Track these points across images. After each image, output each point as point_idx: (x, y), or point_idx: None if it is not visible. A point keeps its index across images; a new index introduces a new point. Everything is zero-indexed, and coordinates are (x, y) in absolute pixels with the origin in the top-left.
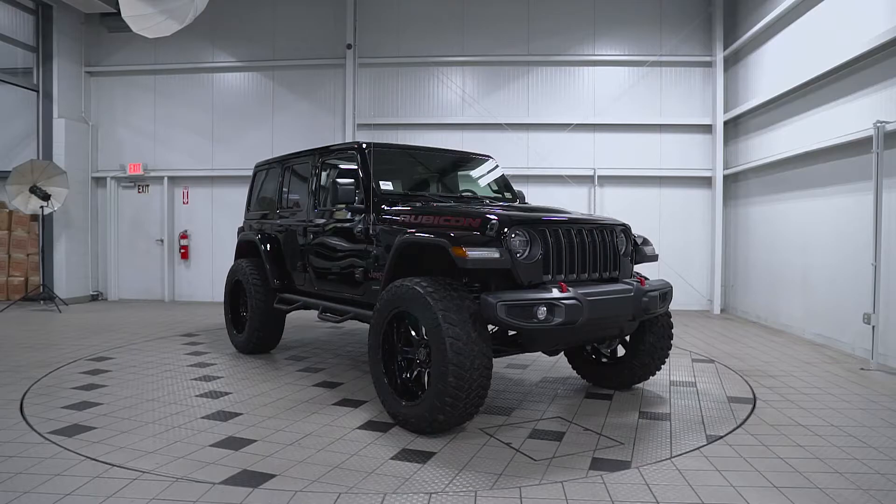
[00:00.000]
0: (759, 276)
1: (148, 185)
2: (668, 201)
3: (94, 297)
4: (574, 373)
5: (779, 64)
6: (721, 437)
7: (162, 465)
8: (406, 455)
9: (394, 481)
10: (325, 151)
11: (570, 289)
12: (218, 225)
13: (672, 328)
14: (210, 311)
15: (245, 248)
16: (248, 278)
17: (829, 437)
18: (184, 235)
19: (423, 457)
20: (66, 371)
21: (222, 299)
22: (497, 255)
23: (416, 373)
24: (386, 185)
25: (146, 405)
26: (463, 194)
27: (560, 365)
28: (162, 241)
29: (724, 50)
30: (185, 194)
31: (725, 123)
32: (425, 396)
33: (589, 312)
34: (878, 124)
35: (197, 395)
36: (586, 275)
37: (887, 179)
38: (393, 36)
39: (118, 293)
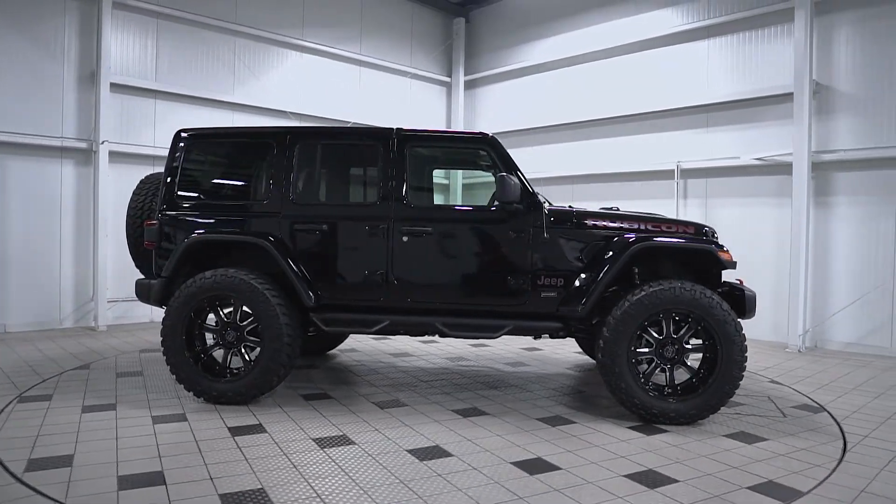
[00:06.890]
0: None
1: None
2: None
3: None
4: None
5: (513, 103)
6: (824, 406)
7: None
8: (738, 439)
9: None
10: (417, 138)
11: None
12: None
13: None
14: None
15: (205, 254)
16: (263, 296)
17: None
18: None
19: (751, 438)
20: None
21: None
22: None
23: (653, 371)
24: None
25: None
26: None
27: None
28: None
29: (466, 75)
30: None
31: None
32: (711, 388)
33: None
34: (678, 162)
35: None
36: None
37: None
38: None
39: None
